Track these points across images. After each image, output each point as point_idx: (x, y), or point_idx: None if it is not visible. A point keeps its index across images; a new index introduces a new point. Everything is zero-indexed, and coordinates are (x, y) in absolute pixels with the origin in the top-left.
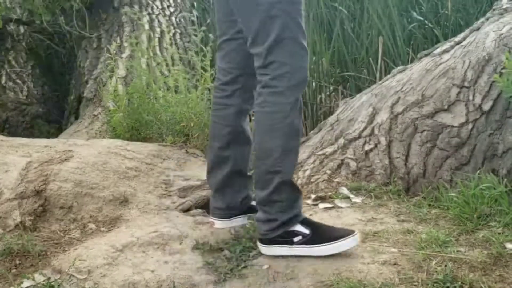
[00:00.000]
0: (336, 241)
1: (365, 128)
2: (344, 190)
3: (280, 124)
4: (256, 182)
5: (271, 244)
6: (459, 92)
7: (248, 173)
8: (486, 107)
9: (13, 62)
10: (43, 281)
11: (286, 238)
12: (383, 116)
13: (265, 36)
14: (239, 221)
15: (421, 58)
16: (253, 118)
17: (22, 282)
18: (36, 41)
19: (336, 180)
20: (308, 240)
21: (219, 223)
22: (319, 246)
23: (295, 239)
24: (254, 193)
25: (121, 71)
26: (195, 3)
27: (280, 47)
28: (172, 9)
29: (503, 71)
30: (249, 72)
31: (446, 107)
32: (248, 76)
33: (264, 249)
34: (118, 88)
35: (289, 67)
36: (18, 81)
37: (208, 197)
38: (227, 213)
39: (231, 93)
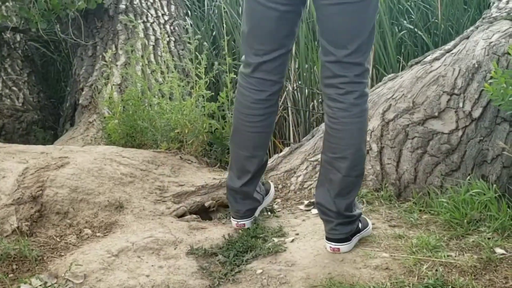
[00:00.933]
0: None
1: None
2: None
3: (367, 127)
4: (340, 191)
5: (352, 237)
6: (449, 100)
7: None
8: (476, 114)
9: (9, 70)
10: (40, 285)
11: (358, 227)
12: (374, 123)
13: (367, 45)
14: (252, 220)
15: (411, 66)
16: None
17: (19, 287)
18: (32, 49)
19: None
20: (362, 225)
21: (248, 223)
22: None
23: (360, 226)
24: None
25: (116, 79)
26: (189, 12)
27: (369, 54)
28: (166, 17)
29: (491, 80)
30: None
31: (436, 114)
32: None
33: (347, 246)
34: (113, 95)
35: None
36: (14, 88)
37: (202, 203)
38: (252, 212)
39: (275, 102)
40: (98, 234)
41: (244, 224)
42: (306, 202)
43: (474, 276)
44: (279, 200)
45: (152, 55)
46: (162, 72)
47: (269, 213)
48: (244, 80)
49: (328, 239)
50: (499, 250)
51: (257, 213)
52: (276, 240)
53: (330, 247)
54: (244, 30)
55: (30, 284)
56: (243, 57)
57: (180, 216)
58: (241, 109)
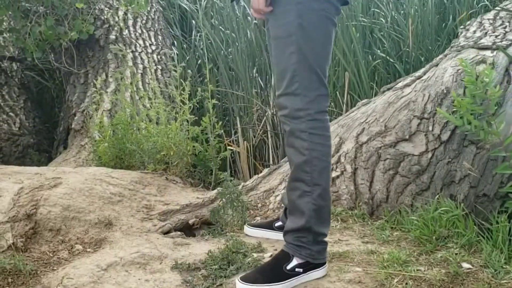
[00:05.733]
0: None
1: (332, 156)
2: None
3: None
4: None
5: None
6: (419, 123)
7: None
8: (445, 137)
9: (7, 97)
10: None
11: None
12: (349, 145)
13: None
14: None
15: (384, 91)
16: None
17: None
18: (28, 77)
19: None
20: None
21: None
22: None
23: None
24: None
25: (106, 104)
26: (175, 42)
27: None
28: (154, 47)
29: (454, 109)
30: None
31: (407, 137)
32: None
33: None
34: (104, 120)
35: None
36: (11, 114)
37: (187, 221)
38: None
39: None
40: (88, 250)
41: None
42: None
43: None
44: (258, 218)
45: (140, 82)
46: (149, 98)
47: None
48: (325, 116)
49: None
50: (465, 265)
51: None
52: (255, 255)
53: None
54: (323, 61)
55: None
56: (321, 90)
57: (166, 233)
58: (330, 149)
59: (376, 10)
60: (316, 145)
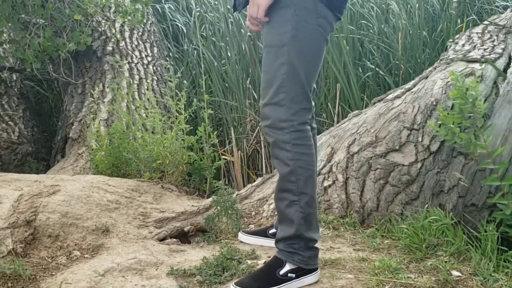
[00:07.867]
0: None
1: (324, 166)
2: None
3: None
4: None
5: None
6: (409, 134)
7: None
8: (434, 147)
9: (6, 106)
10: None
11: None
12: (340, 155)
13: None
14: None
15: (374, 103)
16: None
17: None
18: (27, 87)
19: None
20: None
21: None
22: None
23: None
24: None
25: (103, 114)
26: (170, 53)
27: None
28: (149, 58)
29: (439, 121)
30: None
31: (397, 147)
32: None
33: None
34: (101, 129)
35: None
36: (11, 123)
37: (182, 228)
38: None
39: None
40: (86, 256)
41: None
42: None
43: None
44: (252, 226)
45: (136, 93)
46: (145, 108)
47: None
48: (307, 126)
49: None
50: (455, 273)
51: None
52: (249, 262)
53: None
54: (311, 76)
55: None
56: (305, 104)
57: (162, 239)
58: (313, 157)
59: (365, 23)
60: (300, 155)
